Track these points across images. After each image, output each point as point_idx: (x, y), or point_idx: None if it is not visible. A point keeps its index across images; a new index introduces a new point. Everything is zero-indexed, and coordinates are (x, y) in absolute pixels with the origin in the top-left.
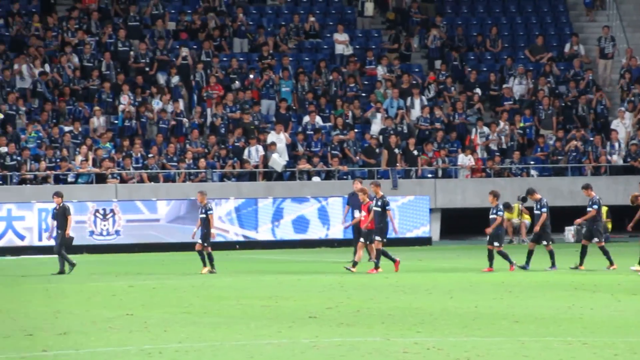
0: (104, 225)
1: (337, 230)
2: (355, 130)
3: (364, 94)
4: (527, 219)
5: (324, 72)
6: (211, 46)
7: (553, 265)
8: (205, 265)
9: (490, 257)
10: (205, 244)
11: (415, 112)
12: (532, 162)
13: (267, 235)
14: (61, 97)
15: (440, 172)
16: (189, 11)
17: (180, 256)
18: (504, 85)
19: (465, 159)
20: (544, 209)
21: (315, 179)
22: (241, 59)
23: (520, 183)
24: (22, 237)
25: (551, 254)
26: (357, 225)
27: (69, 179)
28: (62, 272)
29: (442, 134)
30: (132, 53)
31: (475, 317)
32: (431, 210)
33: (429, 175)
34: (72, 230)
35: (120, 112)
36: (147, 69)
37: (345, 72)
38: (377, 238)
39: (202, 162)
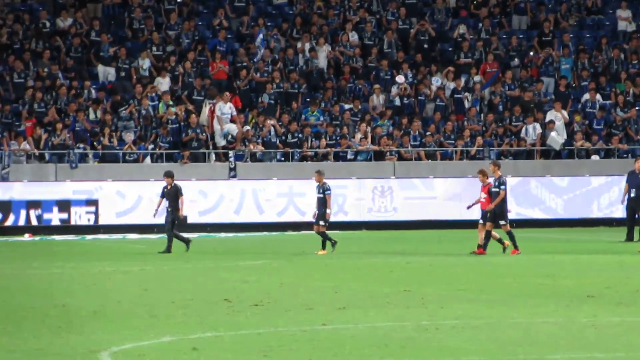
0: (382, 202)
1: (615, 209)
2: (637, 108)
3: None
4: None
5: (605, 49)
6: (490, 23)
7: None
8: (324, 247)
9: None
10: (323, 224)
11: None
12: None
13: (544, 214)
14: (341, 75)
15: None
16: None
17: (457, 234)
18: None
19: None
20: None
21: (594, 157)
22: (521, 36)
23: None
24: (302, 213)
25: None
26: (630, 203)
27: (349, 156)
28: (169, 251)
29: None
30: (412, 31)
31: None
32: None
33: None
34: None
35: (398, 90)
36: (426, 46)
37: (628, 48)
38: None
39: (480, 140)
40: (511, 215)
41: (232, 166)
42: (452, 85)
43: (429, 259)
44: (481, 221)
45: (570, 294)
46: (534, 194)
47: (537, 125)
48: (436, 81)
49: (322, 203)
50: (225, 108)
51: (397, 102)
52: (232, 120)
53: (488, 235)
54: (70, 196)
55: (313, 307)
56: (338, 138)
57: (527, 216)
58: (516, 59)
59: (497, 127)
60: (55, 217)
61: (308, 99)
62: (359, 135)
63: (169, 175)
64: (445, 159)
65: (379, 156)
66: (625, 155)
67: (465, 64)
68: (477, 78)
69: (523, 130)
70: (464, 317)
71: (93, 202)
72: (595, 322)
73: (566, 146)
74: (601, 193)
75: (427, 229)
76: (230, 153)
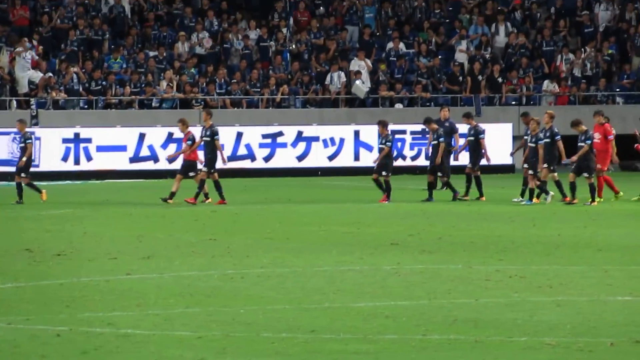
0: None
1: (422, 158)
2: (439, 57)
3: (447, 20)
4: None
5: None
6: None
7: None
8: (40, 191)
9: (380, 187)
10: (24, 175)
11: (500, 39)
12: (617, 90)
13: (349, 162)
14: (146, 22)
15: (524, 100)
16: None
17: (265, 182)
18: (585, 12)
19: (550, 86)
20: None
21: (398, 105)
22: None
23: (605, 111)
24: (107, 163)
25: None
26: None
27: (154, 104)
28: None
29: (526, 60)
30: None
31: (558, 246)
32: (514, 138)
33: (513, 103)
34: None
35: (204, 38)
36: None
37: None
38: (204, 169)
39: (285, 89)
40: (318, 164)
41: (34, 114)
42: (257, 33)
43: (234, 207)
44: (184, 172)
45: (374, 241)
46: (342, 140)
47: (342, 74)
48: (242, 29)
49: (24, 153)
50: (27, 55)
51: (203, 50)
52: (34, 67)
53: (202, 184)
54: None
55: (117, 257)
56: (143, 85)
57: (337, 165)
58: (321, 7)
59: (302, 76)
60: None
61: (113, 46)
62: (164, 83)
63: None
64: (252, 107)
65: (185, 104)
66: (428, 104)
67: (274, 25)
68: (285, 30)
69: (328, 79)
70: (270, 266)
71: None
72: (399, 269)
73: (371, 94)
74: (405, 141)
75: (239, 177)
76: (32, 100)
